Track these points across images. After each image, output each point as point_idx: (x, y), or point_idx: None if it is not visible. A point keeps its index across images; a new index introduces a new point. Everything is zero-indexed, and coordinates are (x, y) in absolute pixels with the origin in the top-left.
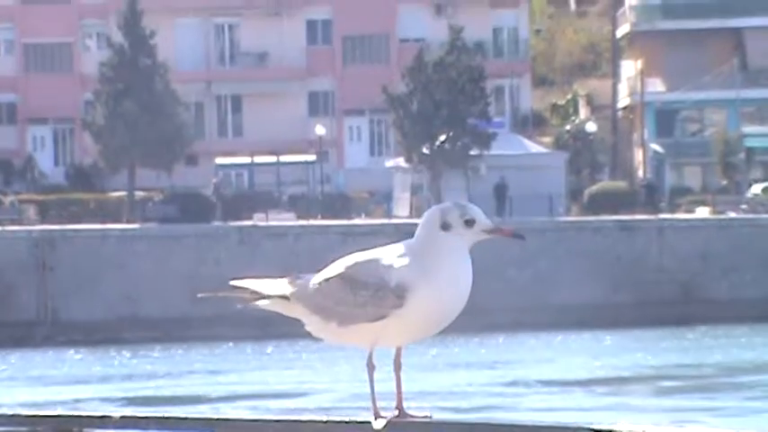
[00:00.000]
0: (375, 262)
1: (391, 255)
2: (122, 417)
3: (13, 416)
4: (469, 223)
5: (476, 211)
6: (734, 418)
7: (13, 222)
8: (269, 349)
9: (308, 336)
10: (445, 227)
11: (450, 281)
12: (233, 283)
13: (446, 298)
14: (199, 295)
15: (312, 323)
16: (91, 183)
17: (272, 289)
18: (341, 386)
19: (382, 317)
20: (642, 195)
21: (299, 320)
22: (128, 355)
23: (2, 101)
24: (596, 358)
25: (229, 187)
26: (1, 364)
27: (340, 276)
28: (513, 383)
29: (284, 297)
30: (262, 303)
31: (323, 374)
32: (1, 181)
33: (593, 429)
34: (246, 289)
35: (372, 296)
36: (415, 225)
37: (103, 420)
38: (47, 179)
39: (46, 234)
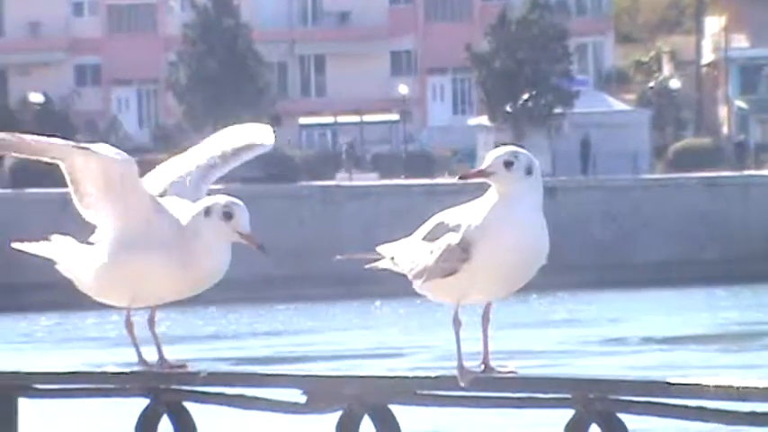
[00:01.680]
0: (448, 219)
1: (466, 209)
2: (209, 374)
3: (101, 374)
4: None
5: (493, 154)
6: None
7: None
8: (363, 308)
9: (395, 295)
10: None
11: (516, 232)
12: (378, 248)
13: (512, 250)
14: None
15: (411, 280)
16: (175, 143)
17: (389, 250)
18: (430, 344)
19: (453, 271)
20: (730, 153)
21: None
22: (213, 315)
23: (86, 63)
24: (681, 315)
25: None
26: (87, 325)
27: (420, 235)
28: (597, 341)
29: (392, 258)
30: (380, 264)
31: (412, 334)
32: (85, 143)
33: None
34: (375, 251)
35: (442, 251)
36: None
37: (190, 377)
38: (131, 140)
39: None
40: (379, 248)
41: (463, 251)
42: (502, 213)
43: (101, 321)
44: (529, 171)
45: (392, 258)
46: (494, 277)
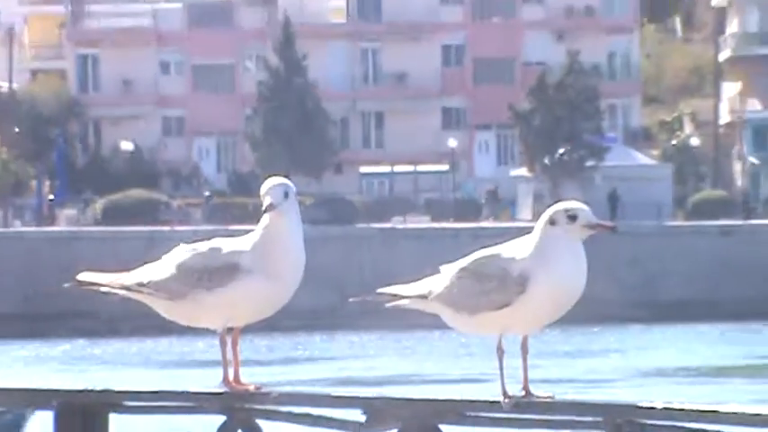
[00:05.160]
0: (498, 256)
1: (512, 249)
2: (280, 394)
3: (184, 393)
4: (572, 219)
5: (580, 209)
6: None
7: (180, 223)
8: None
9: (445, 327)
10: (552, 222)
11: (566, 269)
12: (379, 291)
13: (563, 284)
14: (350, 300)
15: (446, 315)
16: (249, 188)
17: (411, 290)
18: (474, 372)
19: (507, 304)
20: (739, 204)
21: (436, 315)
22: (282, 340)
23: (172, 115)
24: (700, 348)
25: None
26: (152, 352)
27: (468, 271)
28: (626, 371)
29: (422, 296)
30: (403, 303)
31: (459, 362)
32: (170, 187)
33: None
34: (391, 293)
35: (497, 285)
36: None
37: (263, 397)
38: (211, 185)
39: (210, 234)
40: (392, 288)
41: (520, 285)
42: (557, 251)
43: (182, 345)
44: (573, 218)
45: (426, 295)
46: (543, 309)
